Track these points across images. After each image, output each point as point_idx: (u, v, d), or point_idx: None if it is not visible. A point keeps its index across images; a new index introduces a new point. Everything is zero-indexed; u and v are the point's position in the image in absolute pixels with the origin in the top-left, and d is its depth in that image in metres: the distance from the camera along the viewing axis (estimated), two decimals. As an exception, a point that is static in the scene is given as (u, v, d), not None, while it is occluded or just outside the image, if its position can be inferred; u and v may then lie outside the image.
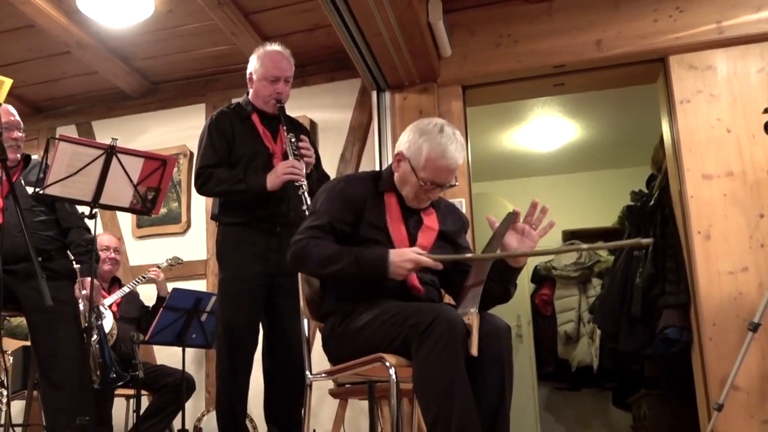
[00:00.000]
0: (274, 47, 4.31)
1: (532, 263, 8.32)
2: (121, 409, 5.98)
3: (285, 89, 4.24)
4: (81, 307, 4.16)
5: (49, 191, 3.80)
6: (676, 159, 5.25)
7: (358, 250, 2.98)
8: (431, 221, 3.23)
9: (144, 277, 5.82)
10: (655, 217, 5.70)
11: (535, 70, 5.60)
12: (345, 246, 3.03)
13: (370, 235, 3.11)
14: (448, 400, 2.61)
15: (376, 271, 2.92)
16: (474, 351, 2.69)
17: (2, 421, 4.24)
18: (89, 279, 4.10)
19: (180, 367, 5.48)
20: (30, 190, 4.14)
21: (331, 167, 5.96)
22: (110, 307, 5.45)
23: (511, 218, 2.96)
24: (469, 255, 3.02)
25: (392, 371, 2.75)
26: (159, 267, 5.98)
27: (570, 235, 8.26)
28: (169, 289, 5.56)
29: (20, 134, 4.36)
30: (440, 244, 3.22)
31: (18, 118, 4.39)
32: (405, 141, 3.17)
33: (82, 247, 4.31)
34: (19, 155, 4.39)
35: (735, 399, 4.65)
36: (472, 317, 2.78)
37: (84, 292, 4.14)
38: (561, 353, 8.13)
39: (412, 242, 3.12)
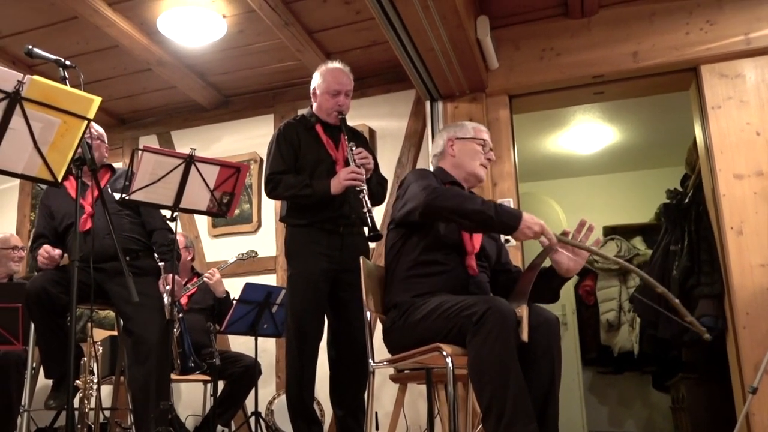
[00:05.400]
0: (335, 64, 4.31)
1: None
2: (198, 394, 6.08)
3: (346, 102, 4.25)
4: (165, 300, 4.23)
5: (134, 197, 3.86)
6: (709, 160, 5.20)
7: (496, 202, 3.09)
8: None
9: (202, 280, 5.82)
10: (690, 214, 5.67)
11: (576, 80, 5.57)
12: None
13: None
14: (501, 385, 2.62)
15: (508, 223, 2.99)
16: (525, 337, 2.72)
17: (93, 405, 4.30)
18: (171, 275, 4.17)
19: (253, 354, 5.52)
20: (117, 196, 4.22)
21: (388, 171, 6.00)
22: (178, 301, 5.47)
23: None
24: (592, 247, 3.11)
25: (449, 360, 2.77)
26: (242, 259, 6.02)
27: (610, 231, 8.18)
28: (236, 285, 5.56)
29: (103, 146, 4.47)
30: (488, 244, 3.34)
31: (100, 131, 4.51)
32: (444, 134, 3.52)
33: (165, 247, 4.38)
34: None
35: (768, 383, 4.60)
36: (522, 309, 2.81)
37: (167, 287, 4.21)
38: (603, 340, 8.09)
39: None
